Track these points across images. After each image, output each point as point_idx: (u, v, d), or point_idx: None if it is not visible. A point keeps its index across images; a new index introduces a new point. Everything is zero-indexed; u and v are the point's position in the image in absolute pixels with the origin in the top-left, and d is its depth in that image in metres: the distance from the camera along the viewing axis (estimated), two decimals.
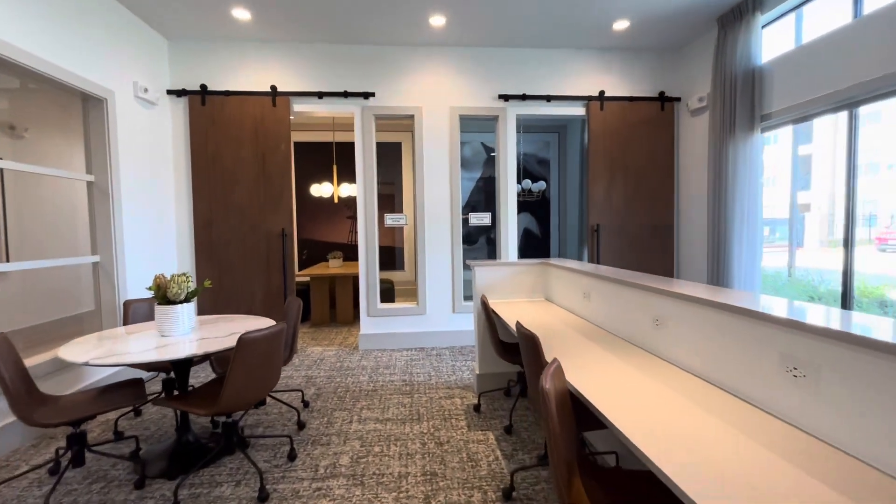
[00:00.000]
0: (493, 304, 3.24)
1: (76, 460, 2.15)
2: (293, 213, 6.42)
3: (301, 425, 2.77)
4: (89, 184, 3.43)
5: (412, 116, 4.48)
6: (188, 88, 4.20)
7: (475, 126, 6.35)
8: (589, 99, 4.58)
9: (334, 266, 6.14)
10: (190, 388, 3.35)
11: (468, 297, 4.76)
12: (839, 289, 3.39)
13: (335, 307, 5.98)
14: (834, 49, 3.03)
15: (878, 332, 1.04)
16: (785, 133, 3.70)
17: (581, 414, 1.84)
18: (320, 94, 4.30)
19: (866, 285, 3.14)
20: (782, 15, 3.62)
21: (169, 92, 4.16)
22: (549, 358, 1.90)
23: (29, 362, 2.73)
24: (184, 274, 2.36)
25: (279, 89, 4.29)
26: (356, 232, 4.94)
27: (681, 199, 4.70)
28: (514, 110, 4.55)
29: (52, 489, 2.06)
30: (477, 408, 3.01)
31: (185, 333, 2.38)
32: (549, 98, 4.52)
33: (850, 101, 2.97)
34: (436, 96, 4.48)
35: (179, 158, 4.23)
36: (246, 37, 4.17)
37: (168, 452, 2.38)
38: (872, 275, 3.12)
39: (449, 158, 4.53)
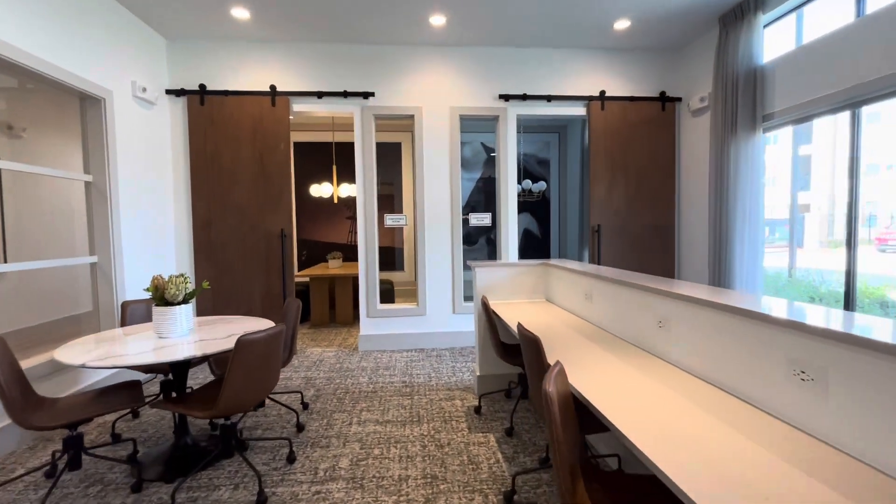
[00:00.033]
0: (494, 304, 3.22)
1: (73, 463, 2.12)
2: (292, 213, 6.41)
3: (300, 427, 2.75)
4: (87, 184, 3.40)
5: (412, 116, 4.46)
6: (187, 88, 4.18)
7: (475, 126, 6.34)
8: (590, 99, 4.56)
9: (334, 266, 6.12)
10: (188, 390, 3.34)
11: (468, 298, 4.74)
12: (840, 289, 3.37)
13: (335, 308, 5.96)
14: (836, 48, 3.01)
15: (887, 334, 1.02)
16: (784, 133, 3.69)
17: (583, 417, 1.82)
18: (320, 94, 4.28)
19: (867, 286, 3.13)
20: (784, 14, 3.60)
21: (168, 92, 4.13)
22: (550, 360, 1.88)
23: (26, 364, 2.70)
24: (181, 275, 2.33)
25: (278, 89, 4.27)
26: (356, 232, 4.92)
27: (682, 200, 4.68)
28: (515, 110, 4.53)
29: (48, 493, 2.03)
30: (478, 409, 2.98)
31: (183, 335, 2.36)
32: (549, 98, 4.50)
33: (853, 101, 2.95)
34: (436, 96, 4.46)
35: (178, 158, 4.21)
36: (245, 36, 4.15)
37: (166, 455, 2.36)
38: (872, 275, 3.10)
39: (449, 158, 4.52)
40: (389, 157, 7.03)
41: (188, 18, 3.80)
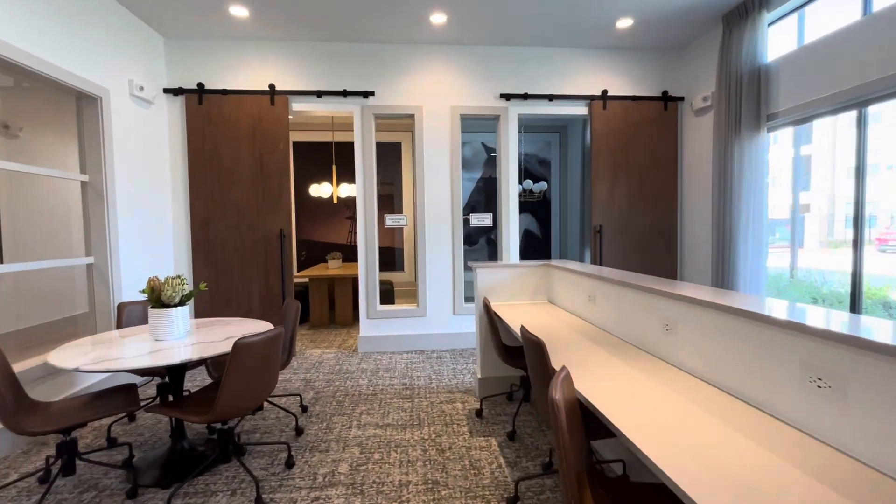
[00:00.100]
0: (495, 306, 3.18)
1: (66, 469, 2.08)
2: (292, 213, 6.37)
3: (299, 431, 2.70)
4: (83, 184, 3.36)
5: (412, 116, 4.42)
6: (185, 87, 4.13)
7: (476, 126, 6.30)
8: (591, 98, 4.52)
9: (333, 267, 6.07)
10: (186, 393, 3.30)
11: (469, 299, 4.70)
12: (842, 290, 3.34)
13: (334, 308, 5.91)
14: (842, 47, 2.97)
15: None
16: (785, 133, 3.66)
17: (589, 422, 1.78)
18: (319, 93, 4.24)
19: (869, 286, 3.10)
20: (789, 13, 3.56)
21: (165, 91, 4.09)
22: (554, 363, 1.83)
23: (20, 367, 2.66)
24: (178, 276, 2.29)
25: (278, 88, 4.22)
26: (355, 233, 4.88)
27: (684, 200, 4.64)
28: (516, 110, 4.49)
29: (42, 499, 1.99)
30: (479, 413, 2.94)
31: (180, 337, 2.32)
32: (551, 97, 4.46)
33: (859, 100, 2.91)
34: (436, 95, 4.42)
35: (176, 158, 4.17)
36: (244, 35, 4.11)
37: (162, 460, 2.32)
38: (873, 276, 3.07)
39: (449, 158, 4.47)
40: (389, 156, 6.99)
41: (186, 17, 3.75)
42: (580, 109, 4.58)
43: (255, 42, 4.21)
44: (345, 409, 3.05)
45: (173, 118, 4.15)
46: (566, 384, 1.41)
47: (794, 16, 3.53)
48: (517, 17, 3.87)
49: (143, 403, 3.11)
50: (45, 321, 4.58)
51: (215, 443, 2.50)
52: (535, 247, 6.91)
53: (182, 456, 2.33)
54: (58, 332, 4.43)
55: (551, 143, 6.95)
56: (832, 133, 3.53)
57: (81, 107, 3.35)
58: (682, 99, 4.59)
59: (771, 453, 1.07)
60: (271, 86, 4.19)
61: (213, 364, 2.76)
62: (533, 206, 6.85)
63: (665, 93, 4.58)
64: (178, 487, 2.09)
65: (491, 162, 6.75)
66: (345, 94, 4.25)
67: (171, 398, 2.33)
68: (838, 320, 1.20)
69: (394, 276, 7.02)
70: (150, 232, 3.89)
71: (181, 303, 2.31)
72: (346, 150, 6.84)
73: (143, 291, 2.26)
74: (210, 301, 4.18)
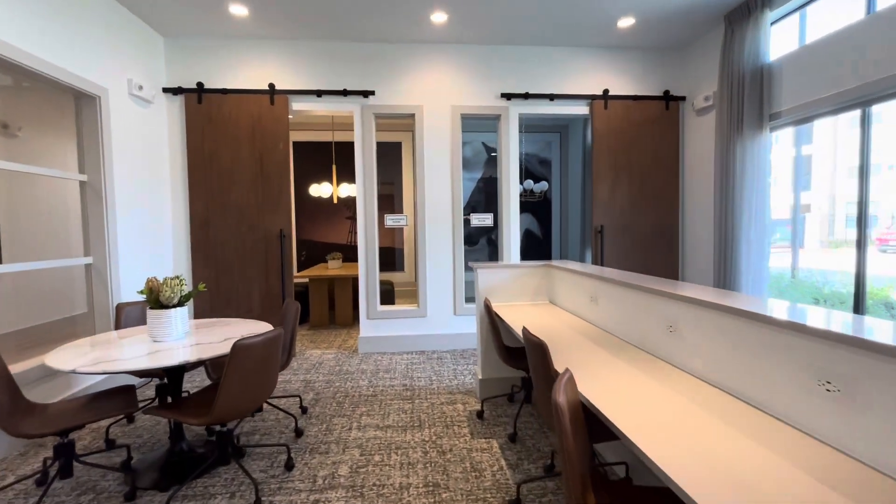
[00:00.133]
0: (497, 307, 3.16)
1: (64, 472, 2.06)
2: (292, 213, 6.35)
3: (299, 433, 2.68)
4: (82, 183, 3.34)
5: (413, 115, 4.40)
6: (184, 86, 4.12)
7: (476, 126, 6.28)
8: (593, 98, 4.50)
9: (333, 267, 6.05)
10: (185, 394, 3.28)
11: (469, 299, 4.68)
12: (843, 290, 3.33)
13: (334, 309, 5.89)
14: (846, 46, 2.95)
15: None
16: (785, 133, 3.64)
17: (591, 425, 1.76)
18: (319, 93, 4.22)
19: (871, 287, 3.08)
20: (791, 12, 3.54)
21: (165, 90, 4.07)
22: (557, 365, 1.81)
23: (18, 368, 2.64)
24: (177, 277, 2.27)
25: (277, 87, 4.20)
26: (356, 233, 4.86)
27: (686, 200, 4.62)
28: (517, 109, 4.47)
29: (38, 502, 1.97)
30: (480, 414, 2.92)
31: (179, 339, 2.30)
32: (552, 97, 4.44)
33: (862, 100, 2.89)
34: (437, 95, 4.40)
35: (175, 158, 4.15)
36: (243, 34, 4.09)
37: (161, 462, 2.30)
38: (874, 276, 3.06)
39: (450, 158, 4.45)
40: (389, 156, 6.97)
41: (186, 15, 3.73)
42: (581, 109, 4.56)
43: (254, 41, 4.19)
44: (345, 411, 3.03)
45: (173, 118, 4.13)
46: (569, 387, 1.39)
47: (797, 15, 3.51)
48: (518, 17, 3.85)
49: (141, 405, 3.09)
50: (44, 321, 4.56)
51: (214, 444, 2.48)
52: (535, 247, 6.88)
53: (181, 458, 2.31)
54: (57, 332, 4.41)
55: (552, 142, 6.93)
56: (832, 133, 3.52)
57: (80, 106, 3.33)
58: (683, 99, 4.57)
59: (777, 456, 1.05)
60: (271, 85, 4.17)
61: (213, 365, 2.75)
62: (533, 206, 6.83)
63: (666, 92, 4.56)
64: (177, 490, 2.07)
65: (491, 162, 6.73)
66: (345, 93, 4.23)
67: (169, 400, 2.31)
68: (847, 323, 1.18)
69: (394, 277, 7.00)
70: (150, 232, 3.87)
71: (180, 303, 2.29)
72: (347, 149, 6.82)
73: (142, 292, 2.24)
74: (210, 301, 4.16)
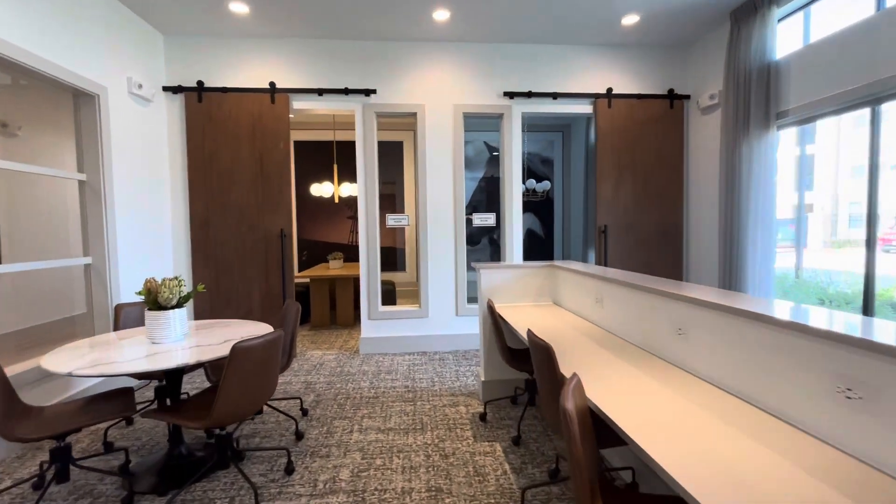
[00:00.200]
0: (500, 307, 3.12)
1: (60, 476, 2.03)
2: (292, 213, 6.32)
3: (299, 435, 2.65)
4: (81, 183, 3.31)
5: (414, 114, 4.36)
6: (184, 85, 4.08)
7: (478, 125, 6.23)
8: (596, 96, 4.45)
9: (334, 267, 6.02)
10: (184, 396, 3.25)
11: (472, 300, 4.64)
12: (848, 290, 3.29)
13: (335, 309, 5.86)
14: (856, 43, 2.90)
15: None
16: (788, 133, 3.60)
17: (599, 430, 1.72)
18: (320, 91, 4.18)
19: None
20: (799, 8, 3.50)
21: (164, 88, 4.04)
22: (562, 368, 1.77)
23: (14, 370, 2.61)
24: (175, 278, 2.23)
25: (278, 86, 4.17)
26: (357, 232, 4.82)
27: (690, 199, 4.57)
28: (520, 108, 4.43)
29: None
30: (483, 417, 2.88)
31: (178, 340, 2.26)
32: (555, 95, 4.39)
33: (872, 98, 2.84)
34: (439, 94, 4.36)
35: (175, 157, 4.11)
36: (244, 32, 4.05)
37: (159, 466, 2.26)
38: (878, 276, 3.01)
39: (452, 157, 4.41)
40: (391, 155, 6.93)
41: (186, 13, 3.70)
42: (585, 108, 4.51)
43: (255, 39, 4.16)
44: (346, 413, 2.99)
45: (172, 117, 4.09)
46: (577, 392, 1.35)
47: (809, 10, 3.45)
48: (521, 14, 3.80)
49: (140, 407, 3.06)
50: (43, 321, 4.53)
51: (214, 447, 2.45)
52: (537, 247, 6.84)
53: (180, 461, 2.28)
54: (56, 332, 4.39)
55: (554, 142, 6.88)
56: (836, 132, 3.47)
57: (79, 105, 3.29)
58: (688, 97, 4.52)
59: (794, 465, 1.01)
60: (272, 84, 4.13)
61: (212, 367, 2.71)
62: (535, 205, 6.78)
63: (671, 91, 4.51)
64: (176, 494, 2.04)
65: (493, 161, 6.69)
66: (346, 92, 4.19)
67: (168, 402, 2.28)
68: (869, 327, 1.13)
69: (395, 277, 6.96)
70: (149, 232, 3.83)
71: (178, 305, 2.26)
72: (348, 149, 6.78)
73: (140, 293, 2.20)
74: (210, 302, 4.13)
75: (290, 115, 4.24)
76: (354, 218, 6.91)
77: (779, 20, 3.53)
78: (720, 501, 0.88)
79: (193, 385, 3.58)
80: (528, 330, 1.88)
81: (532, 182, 5.72)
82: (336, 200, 6.40)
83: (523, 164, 4.54)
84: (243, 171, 4.14)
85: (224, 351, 2.05)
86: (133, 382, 3.46)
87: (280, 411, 2.95)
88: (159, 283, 2.20)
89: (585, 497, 1.21)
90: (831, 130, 3.49)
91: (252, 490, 2.11)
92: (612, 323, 2.39)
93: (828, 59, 3.09)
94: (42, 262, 2.93)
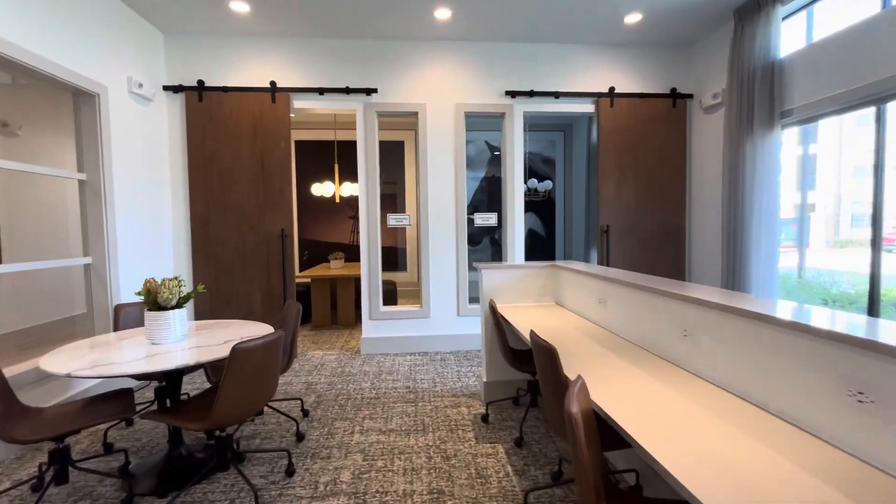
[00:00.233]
0: (501, 308, 3.09)
1: (59, 478, 2.01)
2: (293, 212, 6.29)
3: (300, 437, 2.63)
4: (81, 182, 3.29)
5: (416, 114, 4.34)
6: (185, 84, 4.06)
7: (479, 124, 6.21)
8: (599, 95, 4.43)
9: (335, 267, 6.00)
10: (184, 396, 3.23)
11: (473, 300, 4.62)
12: (851, 290, 3.27)
13: (336, 309, 5.84)
14: (861, 41, 2.87)
15: None
16: (790, 132, 3.57)
17: (603, 433, 1.70)
18: (321, 91, 4.16)
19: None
20: (803, 6, 3.47)
21: (165, 88, 4.02)
22: (566, 370, 1.75)
23: (13, 370, 2.59)
24: (175, 278, 2.22)
25: (279, 85, 4.15)
26: (358, 232, 4.80)
27: (693, 199, 4.55)
28: (522, 107, 4.40)
29: None
30: (485, 418, 2.86)
31: (178, 341, 2.24)
32: (557, 95, 4.37)
33: (878, 97, 2.81)
34: (440, 93, 4.33)
35: (176, 156, 4.10)
36: (244, 31, 4.03)
37: (159, 467, 2.25)
38: (882, 276, 2.99)
39: (454, 157, 4.39)
40: (392, 155, 6.91)
41: (186, 12, 3.68)
42: (587, 107, 4.49)
43: (256, 38, 4.14)
44: (347, 414, 2.97)
45: (173, 116, 4.08)
46: (582, 395, 1.33)
47: (813, 8, 3.43)
48: (523, 13, 3.78)
49: (139, 408, 3.04)
50: (44, 321, 4.52)
51: (214, 449, 2.43)
52: (539, 247, 6.81)
53: (180, 463, 2.26)
54: (56, 332, 4.38)
55: (555, 141, 6.86)
56: (838, 131, 3.45)
57: (79, 104, 3.28)
58: (690, 96, 4.49)
59: (802, 469, 0.99)
60: (272, 83, 4.12)
61: (212, 368, 2.69)
62: (537, 205, 6.76)
63: (673, 90, 4.48)
64: (175, 496, 2.02)
65: (494, 161, 6.66)
66: (347, 91, 4.17)
67: (168, 403, 2.26)
68: (883, 329, 1.11)
69: (397, 277, 6.95)
70: (150, 232, 3.82)
71: (178, 305, 2.24)
72: (349, 148, 6.76)
73: (139, 293, 2.19)
74: (210, 302, 4.11)
75: (291, 115, 4.22)
76: (355, 218, 6.89)
77: (783, 18, 3.50)
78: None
79: (194, 385, 3.56)
80: (531, 331, 1.86)
81: (534, 182, 5.70)
82: (337, 200, 6.39)
83: (525, 164, 4.52)
84: (244, 171, 4.12)
85: (224, 352, 2.03)
86: (133, 383, 3.45)
87: (281, 412, 2.93)
88: (159, 283, 2.18)
89: (591, 501, 1.19)
90: (833, 130, 3.47)
91: (252, 492, 2.09)
92: (616, 324, 2.37)
93: (833, 57, 3.06)
94: (42, 262, 2.91)
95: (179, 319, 2.24)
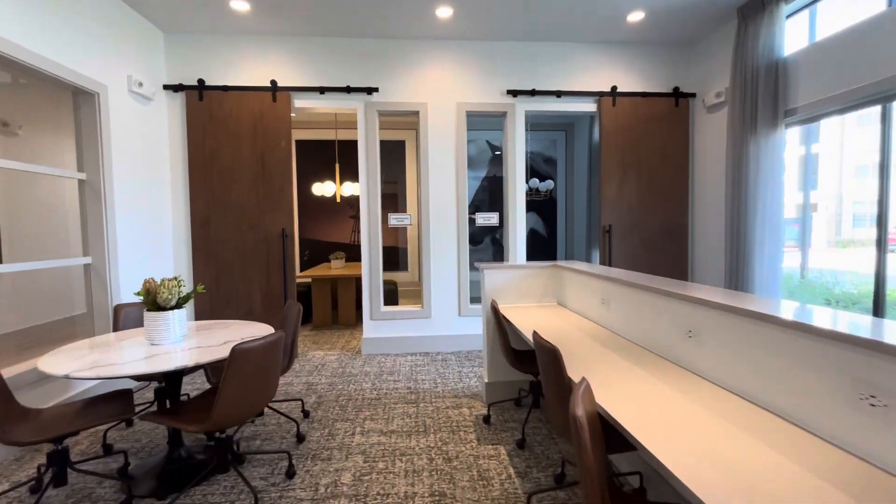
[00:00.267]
0: (503, 308, 3.07)
1: (57, 480, 1.99)
2: (294, 212, 6.28)
3: (300, 438, 2.61)
4: (80, 182, 3.28)
5: (417, 113, 4.32)
6: (185, 83, 4.05)
7: (480, 123, 6.18)
8: (601, 94, 4.40)
9: (336, 267, 5.98)
10: (184, 397, 3.21)
11: (475, 300, 4.60)
12: (854, 290, 3.24)
13: (337, 309, 5.83)
14: (866, 39, 2.85)
15: None
16: (792, 132, 3.54)
17: (607, 435, 1.68)
18: (322, 90, 4.14)
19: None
20: (807, 4, 3.44)
21: (165, 87, 4.00)
22: (569, 371, 1.73)
23: (12, 371, 2.58)
24: (175, 278, 2.20)
25: (279, 84, 4.13)
26: (359, 232, 4.79)
27: (695, 198, 4.52)
28: (524, 106, 4.38)
29: None
30: (486, 419, 2.84)
31: (177, 342, 2.23)
32: (559, 94, 4.35)
33: (883, 95, 2.79)
34: (442, 92, 4.31)
35: (176, 156, 4.08)
36: (245, 30, 4.01)
37: (158, 469, 2.23)
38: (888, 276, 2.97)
39: (455, 156, 4.37)
40: (393, 154, 6.89)
41: (187, 11, 3.66)
42: (589, 106, 4.46)
43: (256, 37, 4.12)
44: (348, 415, 2.95)
45: (173, 115, 4.06)
46: (587, 398, 1.31)
47: (817, 6, 3.40)
48: (525, 11, 3.76)
49: (140, 408, 3.03)
50: (44, 321, 4.51)
51: (214, 450, 2.41)
52: (540, 246, 6.79)
53: (179, 464, 2.25)
54: (56, 332, 4.37)
55: (557, 141, 6.83)
56: (840, 131, 3.43)
57: (78, 103, 3.26)
58: (693, 95, 4.47)
59: (812, 474, 0.97)
60: (273, 82, 4.10)
61: (212, 368, 2.68)
62: (538, 205, 6.73)
63: (676, 89, 4.46)
64: (175, 498, 2.01)
65: (495, 160, 6.64)
66: (348, 90, 4.15)
67: (168, 404, 2.24)
68: (892, 330, 1.09)
69: (398, 276, 6.93)
70: (150, 231, 3.80)
71: (178, 305, 2.22)
72: (350, 147, 6.75)
73: (139, 294, 2.17)
74: (210, 302, 4.10)
75: (292, 114, 4.20)
76: (356, 217, 6.88)
77: (787, 16, 3.47)
78: None
79: (194, 386, 3.55)
80: (534, 332, 1.84)
81: (535, 181, 5.68)
82: (338, 200, 6.37)
83: (526, 163, 4.50)
84: (244, 170, 4.10)
85: (224, 353, 2.01)
86: (133, 384, 3.43)
87: (281, 413, 2.92)
88: (158, 283, 2.16)
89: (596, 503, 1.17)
90: (835, 129, 3.45)
91: (252, 494, 2.07)
92: (619, 324, 2.35)
93: (838, 55, 3.03)
94: (42, 261, 2.90)
95: (179, 320, 2.23)
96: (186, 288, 3.72)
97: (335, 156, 6.72)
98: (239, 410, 1.92)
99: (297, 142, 6.77)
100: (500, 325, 2.71)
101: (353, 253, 6.85)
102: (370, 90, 4.16)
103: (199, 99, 4.03)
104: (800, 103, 3.31)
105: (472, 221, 4.55)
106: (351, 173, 6.63)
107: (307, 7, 3.63)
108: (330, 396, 3.28)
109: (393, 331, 4.41)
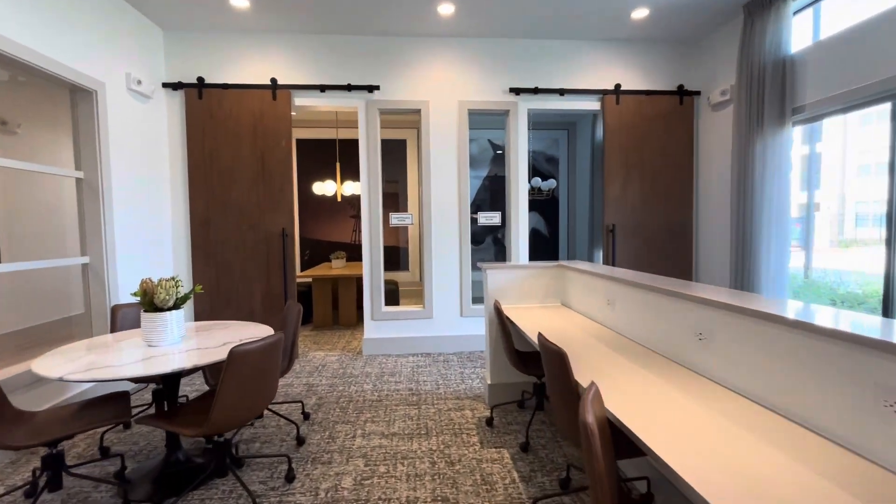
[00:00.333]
0: (506, 308, 3.03)
1: (52, 484, 1.95)
2: (294, 211, 6.24)
3: (300, 441, 2.57)
4: (78, 180, 3.24)
5: (418, 111, 4.28)
6: (184, 81, 4.01)
7: (482, 122, 6.14)
8: (604, 93, 4.36)
9: (337, 266, 5.94)
10: (182, 399, 3.17)
11: (477, 300, 4.56)
12: (859, 291, 3.20)
13: (338, 309, 5.78)
14: (875, 36, 2.79)
15: None
16: (794, 131, 3.49)
17: (615, 440, 1.63)
18: (323, 88, 4.10)
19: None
20: (812, 2, 3.39)
21: (164, 85, 3.96)
22: (576, 374, 1.69)
23: (7, 372, 2.54)
24: (172, 278, 2.16)
25: (280, 82, 4.09)
26: (360, 231, 4.75)
27: (700, 198, 4.47)
28: (526, 105, 4.34)
29: None
30: (489, 421, 2.80)
31: (175, 343, 2.18)
32: (562, 92, 4.30)
33: (893, 92, 2.74)
34: (443, 90, 4.27)
35: (175, 155, 4.04)
36: (245, 27, 3.97)
37: (156, 472, 2.19)
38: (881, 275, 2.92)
39: (457, 155, 4.32)
40: (394, 153, 6.85)
41: (186, 8, 3.62)
42: (592, 104, 4.42)
43: (256, 35, 4.08)
44: (349, 417, 2.91)
45: (172, 113, 4.02)
46: (596, 403, 1.26)
47: (824, 3, 3.35)
48: (527, 8, 3.71)
49: (136, 411, 2.99)
50: (42, 322, 4.48)
51: (213, 453, 2.37)
52: (542, 246, 6.75)
53: (177, 468, 2.20)
54: (55, 333, 4.33)
55: (559, 140, 6.79)
56: (842, 130, 3.38)
57: (76, 101, 3.22)
58: (698, 93, 4.42)
59: (831, 483, 0.92)
60: (273, 80, 4.05)
61: (211, 370, 2.64)
62: (540, 204, 6.69)
63: (681, 87, 4.41)
64: (172, 503, 1.96)
65: (497, 159, 6.59)
66: (349, 88, 4.11)
67: (165, 406, 2.20)
68: None
69: (399, 276, 6.89)
70: (149, 231, 3.76)
71: (176, 306, 2.18)
72: (351, 146, 6.71)
73: (135, 294, 2.13)
74: (210, 302, 4.06)
75: (292, 113, 4.16)
76: (357, 217, 6.83)
77: (794, 13, 3.42)
78: None
79: (194, 387, 3.51)
80: (540, 334, 1.79)
81: (537, 180, 5.63)
82: (339, 199, 6.33)
83: (528, 163, 4.45)
84: (244, 170, 4.06)
85: (222, 354, 1.97)
86: (130, 386, 3.39)
87: (281, 415, 2.87)
88: (155, 283, 2.12)
89: None
90: (838, 128, 3.40)
91: (251, 499, 2.03)
92: (625, 326, 2.31)
93: (846, 52, 2.98)
94: (39, 261, 2.86)
95: (177, 321, 2.19)
96: (185, 288, 3.68)
97: (336, 155, 6.68)
98: (237, 414, 1.88)
99: (298, 141, 6.73)
100: (504, 326, 2.67)
101: (353, 252, 6.81)
102: (371, 88, 4.12)
103: (199, 97, 3.99)
104: (808, 101, 3.26)
105: (473, 221, 4.51)
106: (352, 172, 6.59)
107: (307, 4, 3.59)
108: (330, 398, 3.24)
109: (394, 331, 4.37)
